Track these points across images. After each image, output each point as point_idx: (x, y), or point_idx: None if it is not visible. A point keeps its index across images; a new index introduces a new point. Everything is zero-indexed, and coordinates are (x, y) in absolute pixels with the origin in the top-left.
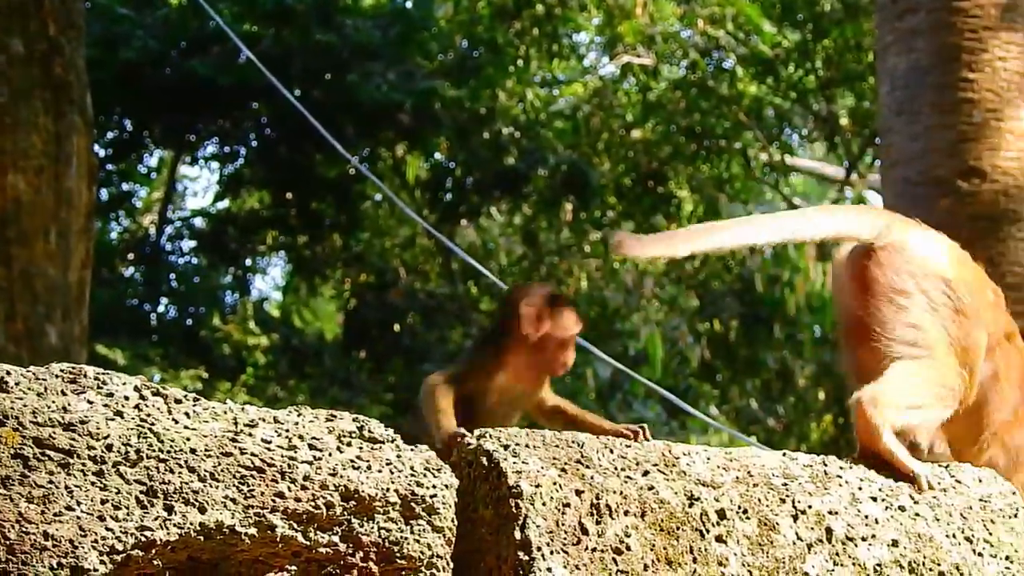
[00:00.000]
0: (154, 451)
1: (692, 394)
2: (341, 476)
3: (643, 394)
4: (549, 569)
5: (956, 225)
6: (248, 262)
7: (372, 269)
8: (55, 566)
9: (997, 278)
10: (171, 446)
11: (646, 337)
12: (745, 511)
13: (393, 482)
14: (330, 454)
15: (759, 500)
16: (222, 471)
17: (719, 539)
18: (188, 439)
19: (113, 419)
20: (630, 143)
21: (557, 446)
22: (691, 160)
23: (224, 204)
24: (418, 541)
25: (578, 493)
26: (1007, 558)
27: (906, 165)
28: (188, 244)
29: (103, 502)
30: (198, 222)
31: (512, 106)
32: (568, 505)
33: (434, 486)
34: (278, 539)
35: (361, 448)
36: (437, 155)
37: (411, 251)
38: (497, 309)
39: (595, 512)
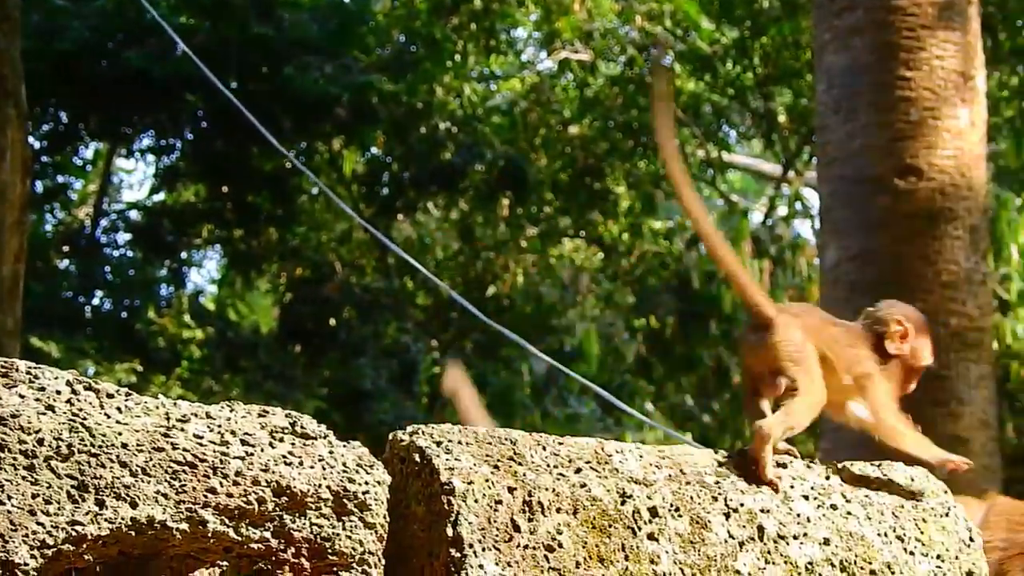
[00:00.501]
0: (86, 446)
1: (628, 390)
2: (273, 472)
3: (578, 390)
4: (481, 566)
5: (892, 223)
6: (184, 255)
7: (308, 263)
8: None
9: (933, 276)
10: (103, 441)
11: (582, 333)
12: (677, 509)
13: (325, 478)
14: (262, 450)
15: (691, 498)
16: (154, 466)
17: (651, 537)
18: (120, 434)
19: (45, 413)
20: (567, 139)
21: (490, 443)
22: (628, 156)
23: (160, 197)
24: (350, 537)
25: (511, 490)
26: (938, 557)
27: (843, 163)
28: (123, 237)
29: (34, 496)
30: (133, 215)
31: (449, 101)
32: (500, 502)
33: (366, 482)
34: (209, 534)
35: (293, 444)
36: (374, 149)
37: (347, 245)
38: (867, 315)
39: (527, 509)
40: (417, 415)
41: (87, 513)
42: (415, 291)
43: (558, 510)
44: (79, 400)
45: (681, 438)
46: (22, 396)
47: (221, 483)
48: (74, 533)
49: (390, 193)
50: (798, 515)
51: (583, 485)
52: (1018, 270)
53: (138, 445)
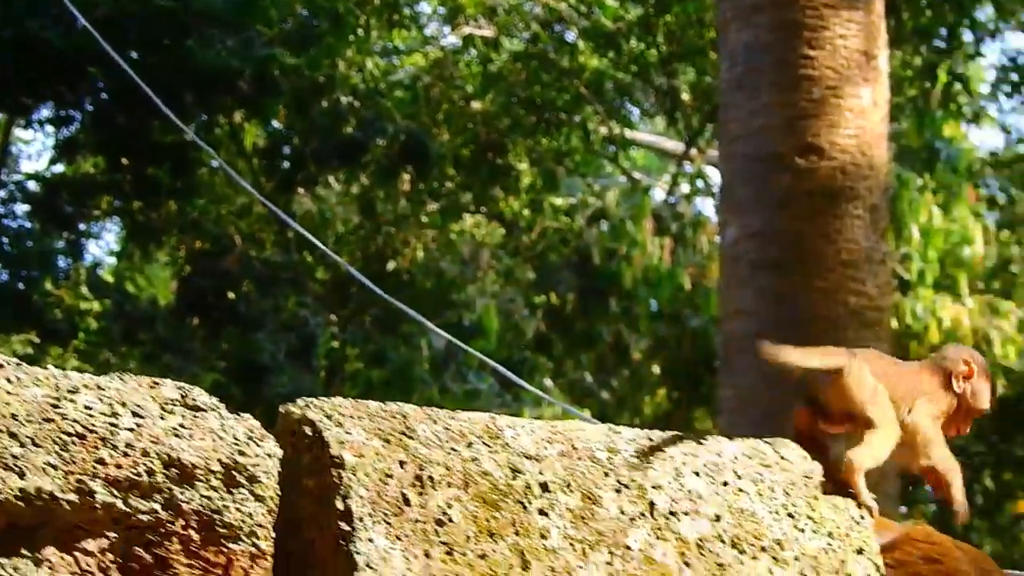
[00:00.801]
0: None
1: (527, 366)
2: (163, 444)
3: (477, 366)
4: (371, 539)
5: (793, 201)
6: (82, 227)
7: (207, 236)
8: None
9: (833, 255)
10: None
11: (481, 309)
12: (568, 484)
13: (216, 450)
14: (153, 421)
15: (583, 473)
16: (43, 437)
17: (541, 512)
18: (9, 404)
19: None
20: (470, 114)
21: (382, 417)
22: (531, 132)
23: (59, 169)
24: (240, 510)
25: (402, 464)
26: (829, 534)
27: (744, 141)
28: (21, 208)
29: None
30: (32, 186)
31: (351, 75)
32: (391, 476)
33: (257, 455)
34: (98, 505)
35: (184, 416)
36: (275, 123)
37: (247, 219)
38: (935, 354)
39: (418, 483)
40: (315, 389)
41: None
42: (315, 265)
43: (449, 484)
44: None
45: (579, 414)
46: None
47: (110, 454)
48: None
49: (291, 167)
50: (689, 491)
51: (474, 460)
52: (919, 250)
53: (27, 416)
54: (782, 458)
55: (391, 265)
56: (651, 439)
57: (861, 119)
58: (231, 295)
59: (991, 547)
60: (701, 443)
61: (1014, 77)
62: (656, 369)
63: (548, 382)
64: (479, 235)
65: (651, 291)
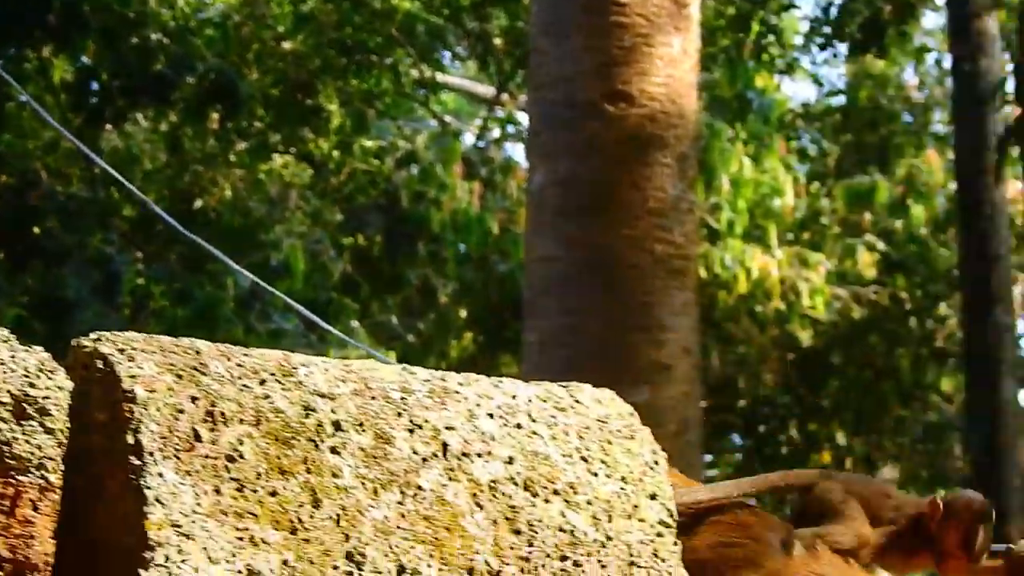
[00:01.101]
0: None
1: (333, 307)
2: None
3: (283, 306)
4: (160, 474)
5: (601, 148)
6: None
7: (12, 170)
8: None
9: (640, 203)
10: None
11: (288, 249)
12: (361, 423)
13: (5, 382)
14: None
15: (376, 413)
16: None
17: (333, 450)
18: None
19: None
20: (280, 54)
21: (175, 352)
22: (341, 74)
23: None
24: (29, 442)
25: (193, 400)
26: (623, 479)
27: (553, 87)
28: None
29: None
30: None
31: (162, 12)
32: (183, 411)
33: (47, 388)
34: None
35: None
36: (84, 59)
37: (54, 155)
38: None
39: (210, 419)
40: (120, 326)
41: None
42: (121, 202)
43: (240, 421)
44: None
45: (381, 357)
46: None
47: None
48: None
49: (99, 103)
50: (483, 433)
51: (267, 397)
52: (729, 200)
53: None
54: (577, 402)
55: (198, 203)
56: (445, 380)
57: (671, 67)
58: (36, 230)
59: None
60: (496, 386)
61: (826, 29)
62: (463, 313)
63: (354, 324)
64: (287, 175)
65: (459, 235)
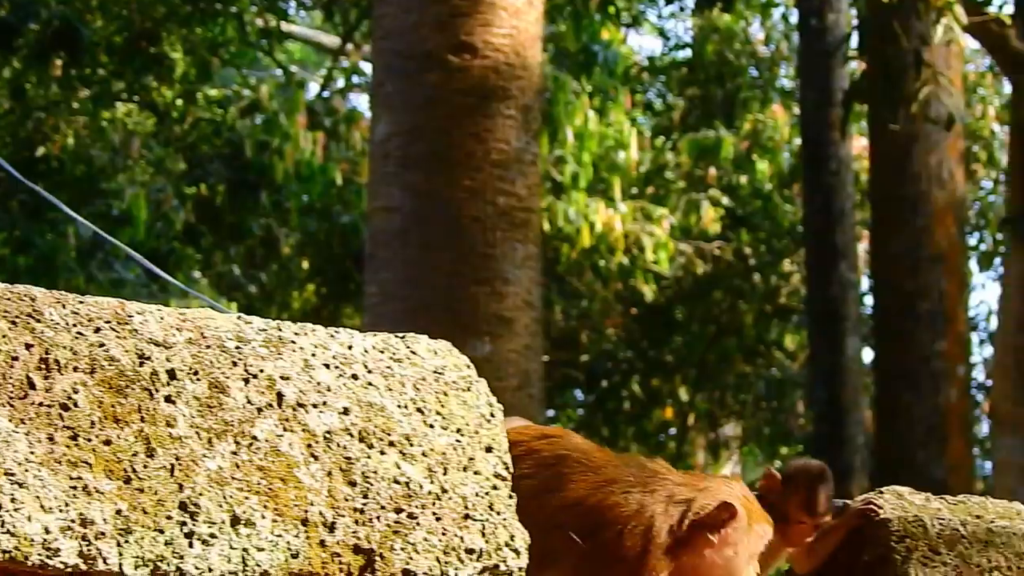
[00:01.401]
0: None
1: (175, 257)
2: None
3: (124, 256)
4: None
5: (444, 100)
6: None
7: None
8: None
9: (482, 154)
10: None
11: (130, 198)
12: (196, 372)
13: None
14: None
15: (211, 362)
16: None
17: (168, 399)
18: None
19: None
20: (124, 1)
21: (8, 299)
22: (186, 22)
23: None
24: None
25: (28, 347)
26: (458, 431)
27: (397, 38)
28: None
29: None
30: None
31: None
32: (17, 359)
33: None
34: None
35: None
36: None
37: None
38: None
39: (44, 367)
40: None
41: None
42: None
43: (75, 369)
44: None
45: (223, 309)
46: None
47: None
48: None
49: None
50: (318, 383)
51: (102, 345)
52: (573, 153)
53: None
54: (413, 353)
55: (41, 151)
56: (281, 330)
57: (516, 19)
58: None
59: (639, 451)
60: (333, 336)
61: None
62: (305, 264)
63: (196, 274)
64: (131, 124)
65: (302, 186)
